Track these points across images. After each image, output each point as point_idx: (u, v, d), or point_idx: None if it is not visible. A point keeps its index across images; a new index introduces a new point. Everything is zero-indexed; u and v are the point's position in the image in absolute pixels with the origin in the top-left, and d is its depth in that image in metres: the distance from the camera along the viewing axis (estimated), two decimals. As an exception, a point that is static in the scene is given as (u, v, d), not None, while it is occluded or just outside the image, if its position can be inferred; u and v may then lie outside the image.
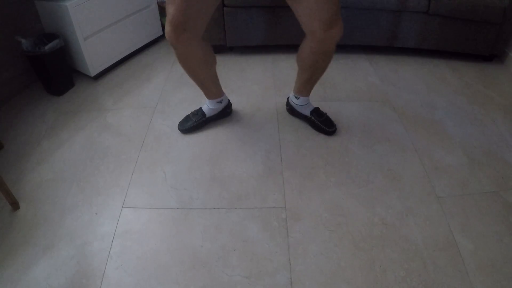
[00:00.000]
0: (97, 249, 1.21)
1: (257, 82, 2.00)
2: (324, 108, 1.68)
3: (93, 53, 1.98)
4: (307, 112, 1.65)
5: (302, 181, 1.43)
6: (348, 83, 1.98)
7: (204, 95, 1.64)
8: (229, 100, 1.72)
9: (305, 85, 1.57)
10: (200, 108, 1.68)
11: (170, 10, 1.17)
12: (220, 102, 1.66)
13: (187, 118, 1.68)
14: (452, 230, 1.24)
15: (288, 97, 1.71)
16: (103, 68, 2.08)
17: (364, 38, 2.14)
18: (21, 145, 1.65)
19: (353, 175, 1.45)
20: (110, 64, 2.12)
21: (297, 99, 1.64)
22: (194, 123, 1.65)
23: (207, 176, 1.46)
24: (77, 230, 1.28)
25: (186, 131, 1.66)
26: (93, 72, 2.02)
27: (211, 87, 1.60)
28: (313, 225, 1.27)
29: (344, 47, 2.24)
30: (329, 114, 1.65)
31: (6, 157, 1.59)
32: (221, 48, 2.25)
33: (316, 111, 1.64)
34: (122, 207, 1.35)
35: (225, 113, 1.73)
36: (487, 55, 2.14)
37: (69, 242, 1.24)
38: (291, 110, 1.72)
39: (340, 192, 1.38)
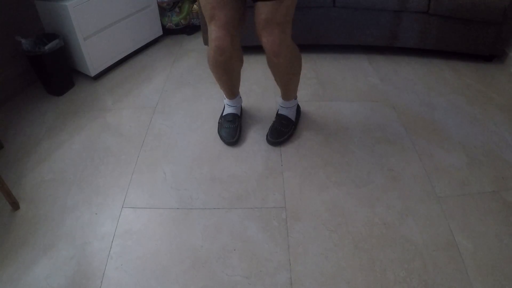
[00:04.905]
0: (97, 249, 1.21)
1: (257, 82, 2.00)
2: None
3: (93, 53, 1.98)
4: (278, 111, 1.64)
5: (302, 181, 1.43)
6: (348, 83, 1.98)
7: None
8: None
9: (278, 85, 1.55)
10: (227, 114, 1.63)
11: (221, 15, 1.19)
12: (240, 97, 1.69)
13: (228, 130, 1.59)
14: (452, 230, 1.24)
15: None
16: (103, 68, 2.08)
17: (364, 38, 2.14)
18: (21, 145, 1.65)
19: (353, 175, 1.45)
20: (110, 64, 2.12)
21: (279, 97, 1.64)
22: (238, 127, 1.61)
23: (207, 176, 1.46)
24: (77, 230, 1.28)
25: (237, 141, 1.58)
26: (93, 72, 2.02)
27: (237, 84, 1.60)
28: (313, 225, 1.27)
29: (344, 47, 2.24)
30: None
31: (6, 157, 1.59)
32: (221, 48, 2.25)
33: (284, 119, 1.60)
34: (122, 207, 1.35)
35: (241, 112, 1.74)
36: (487, 55, 2.14)
37: (69, 242, 1.24)
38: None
39: (340, 192, 1.38)
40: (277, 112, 1.65)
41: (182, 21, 2.47)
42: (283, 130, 1.59)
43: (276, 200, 1.35)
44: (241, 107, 1.73)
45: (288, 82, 1.48)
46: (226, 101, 1.66)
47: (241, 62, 1.48)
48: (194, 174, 1.47)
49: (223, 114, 1.67)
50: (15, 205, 1.34)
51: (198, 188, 1.41)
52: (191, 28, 2.54)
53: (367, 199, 1.35)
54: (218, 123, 1.67)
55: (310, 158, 1.52)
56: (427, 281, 1.10)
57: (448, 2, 1.91)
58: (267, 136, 1.60)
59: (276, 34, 1.22)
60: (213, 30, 1.24)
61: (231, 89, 1.58)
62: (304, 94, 1.85)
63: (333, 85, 1.97)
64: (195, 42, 2.43)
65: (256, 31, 1.26)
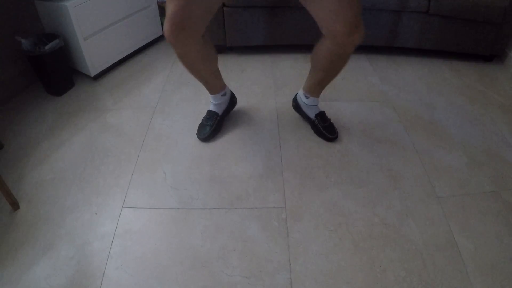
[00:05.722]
0: (97, 249, 1.21)
1: (257, 82, 2.00)
2: (324, 108, 1.67)
3: (93, 53, 1.98)
4: (312, 114, 1.62)
5: (302, 181, 1.43)
6: (348, 83, 1.98)
7: (207, 93, 1.60)
8: (230, 90, 1.70)
9: (317, 85, 1.53)
10: (209, 111, 1.64)
11: (171, 6, 1.12)
12: (224, 94, 1.63)
13: (202, 126, 1.63)
14: (452, 230, 1.24)
15: (297, 94, 1.68)
16: (103, 68, 2.08)
17: (364, 38, 2.14)
18: (21, 145, 1.65)
19: (353, 175, 1.45)
20: (110, 64, 2.12)
21: (307, 98, 1.60)
22: (212, 127, 1.61)
23: (207, 176, 1.46)
24: (77, 230, 1.28)
25: (207, 138, 1.60)
26: (93, 72, 2.02)
27: (213, 82, 1.56)
28: (313, 225, 1.27)
29: (344, 47, 2.24)
30: (329, 115, 1.65)
31: (6, 157, 1.59)
32: (221, 48, 2.25)
33: (321, 115, 1.61)
34: (122, 207, 1.35)
35: (233, 103, 1.72)
36: (487, 55, 2.14)
37: (69, 242, 1.24)
38: (297, 107, 1.69)
39: (340, 192, 1.38)
40: (315, 115, 1.61)
41: (182, 21, 2.46)
42: (331, 123, 1.61)
43: (276, 200, 1.35)
44: (229, 106, 1.68)
45: (335, 74, 1.45)
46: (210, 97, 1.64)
47: (204, 60, 1.39)
48: (194, 174, 1.47)
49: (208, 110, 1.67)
50: (15, 205, 1.34)
51: (198, 188, 1.41)
52: (191, 28, 2.53)
53: (367, 199, 1.35)
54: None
55: (310, 158, 1.52)
56: (427, 281, 1.10)
57: (448, 2, 1.91)
58: (323, 136, 1.59)
59: (362, 25, 1.14)
60: (165, 22, 1.17)
61: (204, 84, 1.55)
62: (304, 94, 1.84)
63: (333, 85, 1.96)
64: (195, 42, 2.43)
65: (341, 33, 1.14)
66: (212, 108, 1.64)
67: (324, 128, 1.60)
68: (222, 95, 1.62)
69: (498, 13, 1.90)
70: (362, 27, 1.15)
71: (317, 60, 1.40)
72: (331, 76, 1.46)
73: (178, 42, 1.20)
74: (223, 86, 1.62)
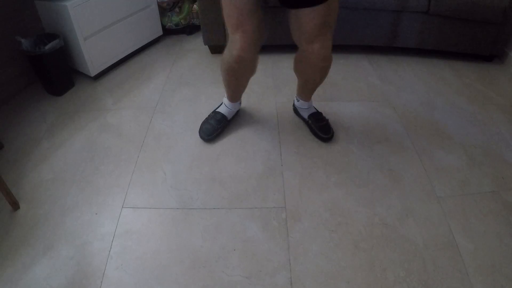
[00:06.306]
0: (97, 249, 1.21)
1: (257, 82, 2.00)
2: (324, 108, 1.68)
3: (93, 53, 1.98)
4: (305, 115, 1.65)
5: (302, 181, 1.43)
6: (348, 83, 1.98)
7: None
8: None
9: (301, 90, 1.59)
10: (219, 113, 1.64)
11: (244, 23, 1.15)
12: (240, 103, 1.70)
13: (209, 126, 1.62)
14: (452, 230, 1.24)
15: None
16: (103, 68, 2.08)
17: (364, 38, 2.14)
18: (21, 145, 1.65)
19: (353, 175, 1.45)
20: (110, 64, 2.12)
21: (297, 101, 1.67)
22: (220, 130, 1.62)
23: (207, 176, 1.46)
24: (77, 230, 1.28)
25: (212, 139, 1.61)
26: (93, 72, 2.02)
27: (242, 91, 1.62)
28: (313, 225, 1.27)
29: (344, 47, 2.24)
30: (329, 115, 1.65)
31: (6, 157, 1.59)
32: (221, 48, 2.24)
33: (315, 116, 1.62)
34: (122, 207, 1.35)
35: (238, 112, 1.76)
36: (487, 55, 2.14)
37: (69, 242, 1.24)
38: (294, 110, 1.74)
39: (340, 192, 1.38)
40: (307, 115, 1.64)
41: (182, 21, 2.47)
42: (326, 124, 1.62)
43: (276, 200, 1.35)
44: (236, 113, 1.71)
45: (320, 83, 1.48)
46: (225, 100, 1.66)
47: (254, 71, 1.43)
48: (194, 174, 1.47)
49: (216, 109, 1.67)
50: (15, 205, 1.34)
51: (198, 188, 1.41)
52: (191, 28, 2.54)
53: (367, 199, 1.35)
54: (208, 115, 1.67)
55: (310, 158, 1.52)
56: (427, 281, 1.10)
57: (448, 2, 1.91)
58: (317, 136, 1.60)
59: (329, 38, 1.20)
60: (239, 40, 1.18)
61: (235, 93, 1.60)
62: (304, 94, 1.84)
63: (333, 85, 1.97)
64: (195, 42, 2.43)
65: (302, 39, 1.21)
66: (223, 111, 1.64)
67: (318, 128, 1.60)
68: (238, 103, 1.68)
69: (498, 13, 1.90)
70: (323, 41, 1.19)
71: (294, 66, 1.47)
72: (309, 84, 1.51)
73: (253, 56, 1.25)
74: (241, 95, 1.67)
